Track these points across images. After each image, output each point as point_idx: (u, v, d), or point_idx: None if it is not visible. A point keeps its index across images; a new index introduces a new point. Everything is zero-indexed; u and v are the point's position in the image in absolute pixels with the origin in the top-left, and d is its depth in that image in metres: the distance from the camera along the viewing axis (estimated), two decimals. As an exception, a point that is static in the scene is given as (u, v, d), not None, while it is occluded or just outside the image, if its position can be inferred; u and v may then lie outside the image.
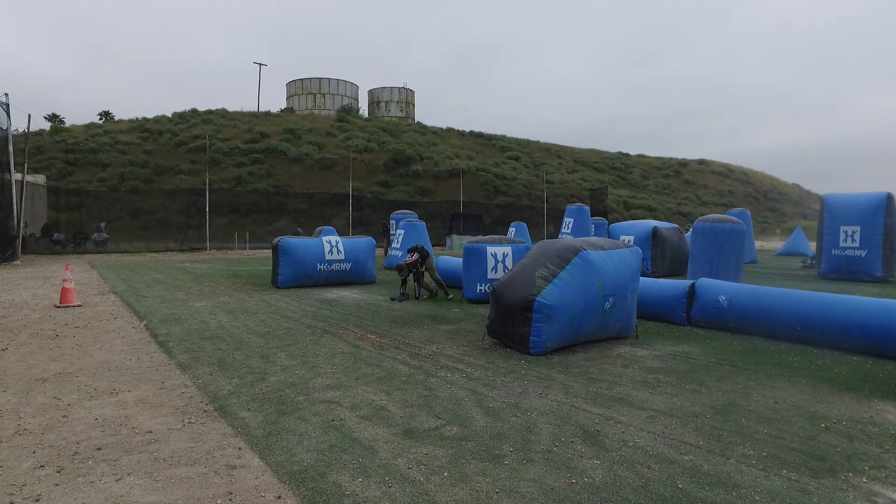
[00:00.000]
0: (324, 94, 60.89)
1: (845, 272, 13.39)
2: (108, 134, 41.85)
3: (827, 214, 14.00)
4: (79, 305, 9.18)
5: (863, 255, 13.10)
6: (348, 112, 56.25)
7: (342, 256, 12.15)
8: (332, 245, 12.11)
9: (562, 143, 63.05)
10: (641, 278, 7.81)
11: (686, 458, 3.40)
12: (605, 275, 6.15)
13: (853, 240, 13.25)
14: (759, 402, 4.44)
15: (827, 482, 3.10)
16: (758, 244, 32.76)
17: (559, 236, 21.33)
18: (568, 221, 20.30)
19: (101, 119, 51.19)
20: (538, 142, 61.21)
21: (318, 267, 11.84)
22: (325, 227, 19.74)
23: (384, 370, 5.32)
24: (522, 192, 44.04)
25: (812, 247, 21.72)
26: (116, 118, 50.76)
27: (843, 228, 13.52)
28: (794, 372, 5.38)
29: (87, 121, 48.47)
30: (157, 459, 3.33)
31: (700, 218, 10.82)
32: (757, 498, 2.92)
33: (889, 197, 13.11)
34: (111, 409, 4.22)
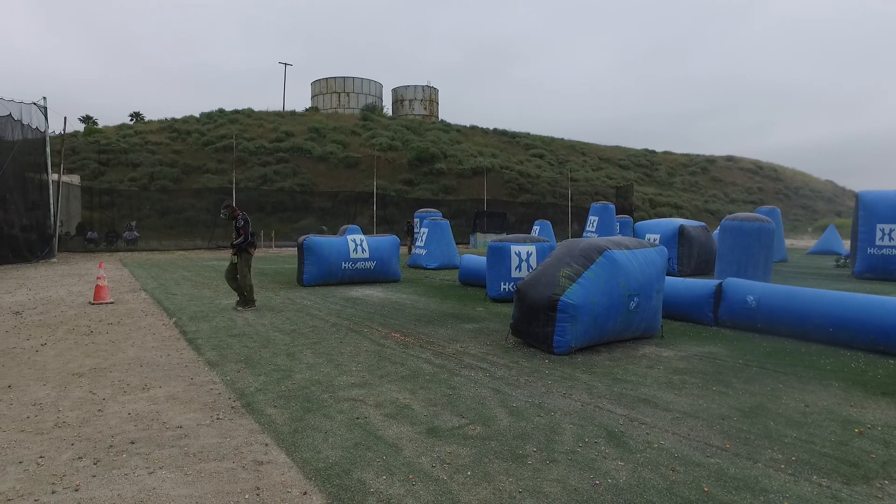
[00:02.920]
0: (348, 93, 61.35)
1: (881, 272, 13.03)
2: (139, 134, 42.82)
3: (862, 212, 13.63)
4: (112, 302, 9.43)
5: (899, 255, 12.73)
6: (372, 111, 56.58)
7: (367, 255, 12.25)
8: (357, 244, 12.22)
9: (586, 141, 62.52)
10: (668, 277, 7.72)
11: (712, 460, 3.36)
12: (630, 274, 6.10)
13: (890, 238, 12.88)
14: (788, 405, 4.36)
15: (860, 489, 3.04)
16: (788, 243, 32.08)
17: (583, 235, 21.18)
18: (592, 220, 20.13)
19: (131, 120, 52.40)
20: (562, 139, 60.77)
21: (343, 265, 11.95)
22: (350, 226, 19.91)
23: (408, 369, 5.35)
24: (547, 190, 43.79)
25: (846, 245, 21.17)
26: (146, 119, 51.93)
27: (879, 226, 13.15)
28: (825, 374, 5.26)
29: (118, 122, 49.68)
30: (188, 454, 3.41)
31: (728, 216, 10.64)
32: None
33: (927, 194, 12.71)
34: (143, 404, 4.33)
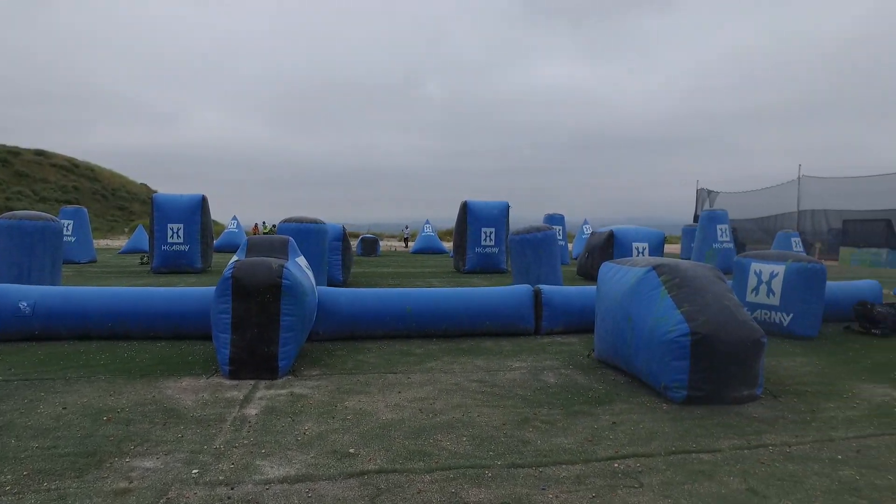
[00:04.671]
0: None
1: (174, 265, 14.63)
2: None
3: (157, 213, 14.89)
4: None
5: (186, 250, 14.65)
6: None
7: None
8: None
9: None
10: None
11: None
12: None
13: (178, 236, 14.62)
14: (44, 414, 4.09)
15: (91, 476, 3.09)
16: (104, 243, 31.99)
17: None
18: None
19: None
20: None
21: None
22: None
23: None
24: None
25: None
26: None
27: (170, 226, 14.69)
28: (96, 370, 5.29)
29: None
30: None
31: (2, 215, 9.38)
32: (2, 526, 2.60)
33: (203, 198, 15.11)
34: None
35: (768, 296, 7.58)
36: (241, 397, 4.55)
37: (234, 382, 4.95)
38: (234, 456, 3.42)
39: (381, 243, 29.45)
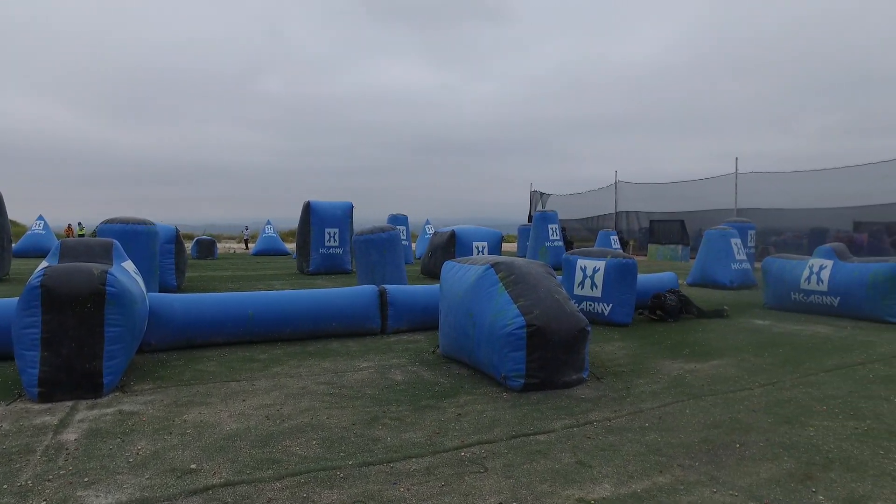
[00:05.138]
0: None
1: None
2: None
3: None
4: None
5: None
6: None
7: None
8: None
9: None
10: None
11: None
12: None
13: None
14: None
15: None
16: None
17: None
18: None
19: None
20: None
21: None
22: None
23: None
24: None
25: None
26: None
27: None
28: None
29: None
30: None
31: None
32: None
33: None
34: None
35: (592, 289, 8.45)
36: (56, 422, 4.03)
37: (46, 406, 4.36)
38: (48, 490, 3.02)
39: (219, 245, 27.63)
